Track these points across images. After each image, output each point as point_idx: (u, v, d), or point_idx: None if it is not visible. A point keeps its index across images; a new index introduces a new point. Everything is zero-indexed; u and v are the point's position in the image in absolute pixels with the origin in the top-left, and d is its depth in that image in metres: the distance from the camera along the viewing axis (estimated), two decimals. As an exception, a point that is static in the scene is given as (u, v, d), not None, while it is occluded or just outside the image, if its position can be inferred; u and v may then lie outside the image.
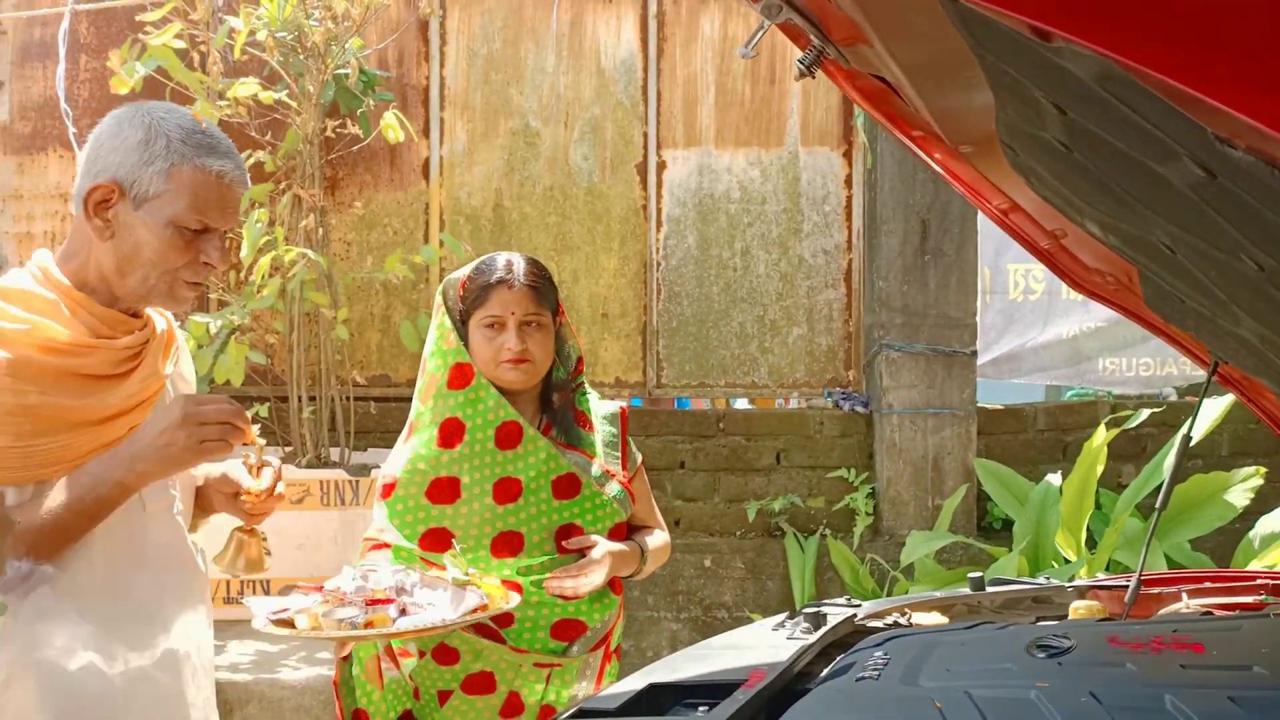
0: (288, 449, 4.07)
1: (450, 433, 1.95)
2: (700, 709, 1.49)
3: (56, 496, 1.49)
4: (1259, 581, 2.00)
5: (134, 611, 1.59)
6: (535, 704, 1.96)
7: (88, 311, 1.55)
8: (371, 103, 4.12)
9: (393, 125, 3.82)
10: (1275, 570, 2.26)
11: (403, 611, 1.72)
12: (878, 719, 1.23)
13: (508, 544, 1.90)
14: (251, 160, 3.80)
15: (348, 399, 4.13)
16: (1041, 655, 1.39)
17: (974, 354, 4.46)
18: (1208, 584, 2.02)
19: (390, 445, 3.75)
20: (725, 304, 4.69)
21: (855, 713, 1.27)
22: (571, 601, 1.91)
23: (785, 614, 1.99)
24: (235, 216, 1.62)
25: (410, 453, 1.97)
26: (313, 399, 4.04)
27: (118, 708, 1.58)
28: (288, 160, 3.98)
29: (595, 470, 2.03)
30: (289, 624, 1.73)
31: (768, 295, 4.69)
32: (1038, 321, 5.00)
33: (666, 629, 4.43)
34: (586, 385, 2.14)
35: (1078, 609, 1.88)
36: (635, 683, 1.62)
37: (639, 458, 2.18)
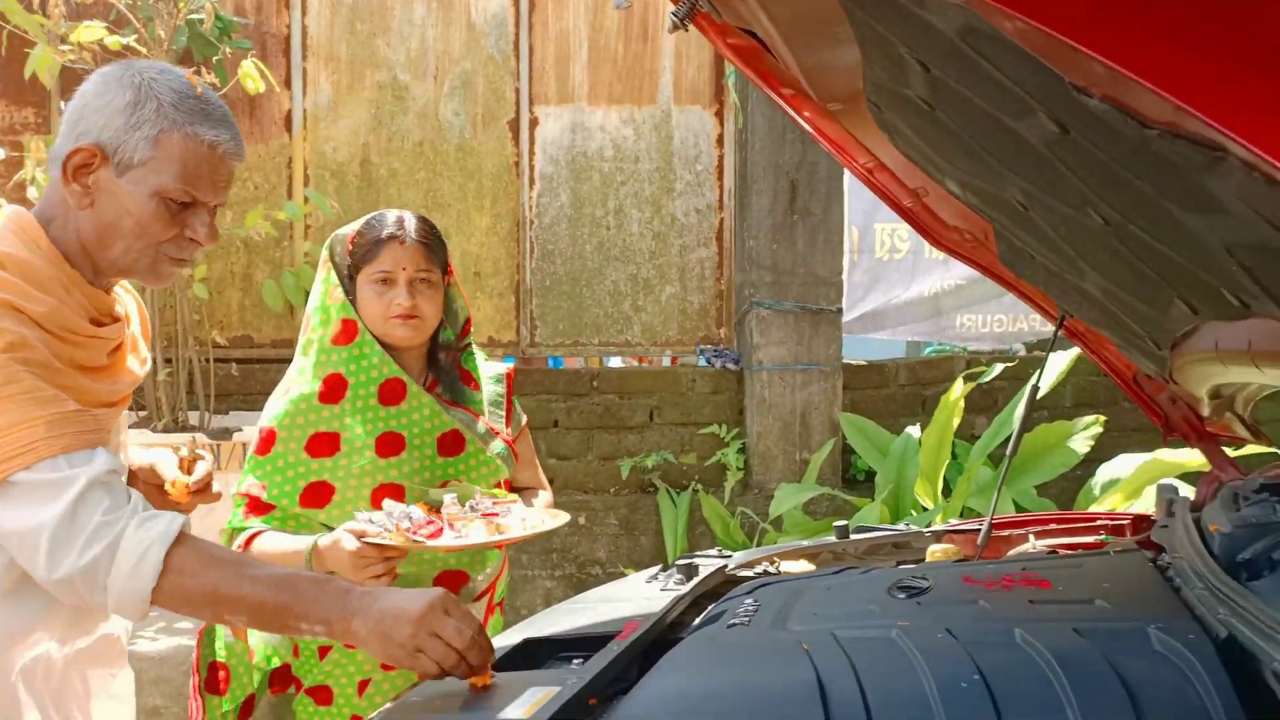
0: (142, 413, 3.89)
1: (332, 388, 1.92)
2: (575, 661, 1.51)
3: (254, 577, 1.36)
4: (1099, 523, 2.13)
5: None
6: None
7: (79, 291, 1.45)
8: (228, 51, 3.94)
9: (251, 75, 3.66)
10: (1114, 512, 2.40)
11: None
12: (748, 663, 1.27)
13: (388, 496, 1.88)
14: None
15: (207, 360, 3.97)
16: (901, 596, 1.45)
17: (840, 311, 4.58)
18: (1053, 526, 2.14)
19: (254, 408, 3.62)
20: (599, 262, 4.69)
21: (726, 658, 1.31)
22: (455, 555, 1.91)
23: (658, 567, 2.02)
24: (226, 191, 1.50)
25: (289, 404, 1.93)
26: (169, 361, 3.87)
27: (63, 692, 1.54)
28: (137, 109, 3.77)
29: (480, 428, 2.02)
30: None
31: (641, 254, 4.70)
32: (902, 280, 5.17)
33: (541, 587, 4.45)
34: (474, 346, 2.13)
35: (934, 552, 1.96)
36: (510, 638, 1.63)
37: (524, 419, 2.18)
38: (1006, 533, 2.12)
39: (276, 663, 1.97)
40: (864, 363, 4.81)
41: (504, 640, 1.62)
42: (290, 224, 4.34)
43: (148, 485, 1.66)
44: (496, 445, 2.04)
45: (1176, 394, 1.95)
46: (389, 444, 1.92)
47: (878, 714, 1.11)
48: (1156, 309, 1.53)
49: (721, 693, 1.20)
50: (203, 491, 1.68)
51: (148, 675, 2.74)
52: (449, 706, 1.31)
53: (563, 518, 1.93)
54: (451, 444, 1.98)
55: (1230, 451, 2.03)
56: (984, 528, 2.02)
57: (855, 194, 4.91)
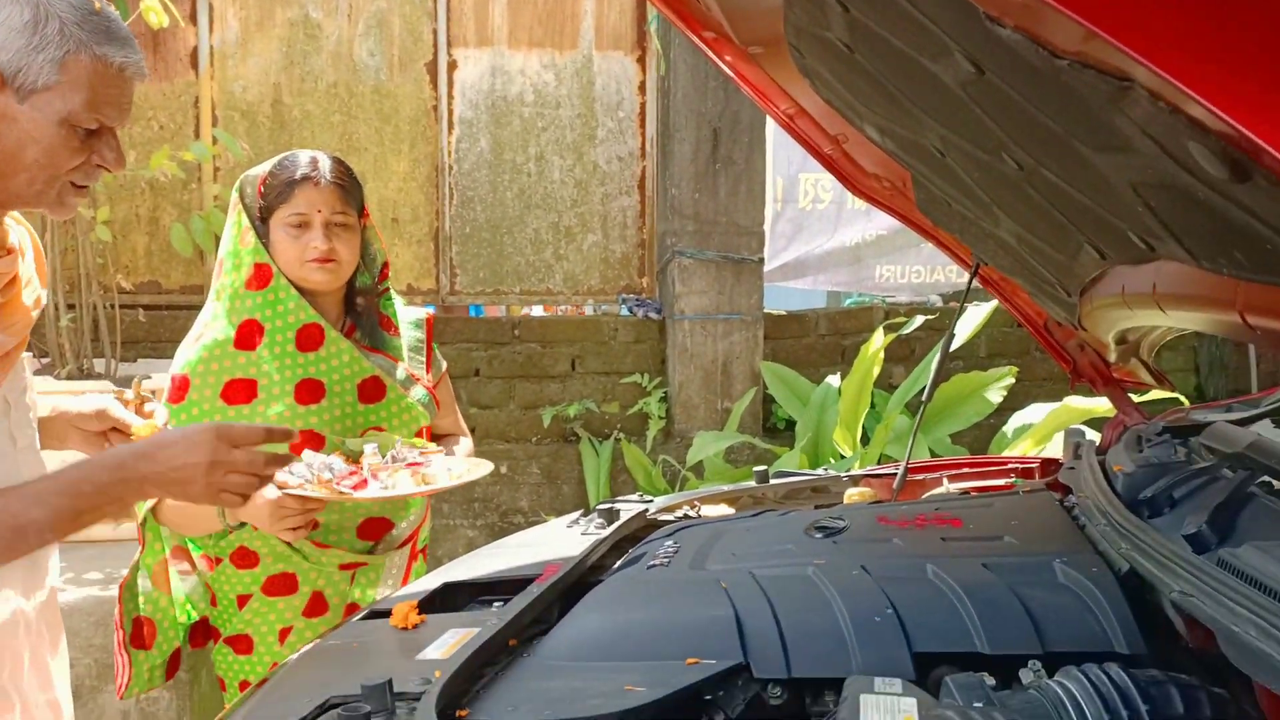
0: (44, 360, 3.76)
1: (248, 334, 1.87)
2: (495, 604, 1.51)
3: (38, 497, 1.32)
4: (1009, 466, 2.19)
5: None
6: (340, 604, 1.94)
7: None
8: (130, -18, 3.75)
9: (154, 8, 3.50)
10: (1024, 456, 2.47)
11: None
12: (668, 603, 1.28)
13: (308, 444, 1.84)
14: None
15: (112, 306, 3.84)
16: (819, 536, 1.48)
17: (761, 261, 4.60)
18: (965, 469, 2.20)
19: (164, 356, 3.52)
20: (520, 210, 4.63)
21: (646, 598, 1.31)
22: (378, 503, 1.88)
23: (579, 512, 2.03)
24: (129, 112, 1.42)
25: (201, 350, 1.88)
26: (71, 307, 3.73)
27: (38, 645, 1.53)
28: (33, 42, 3.59)
29: (400, 374, 1.99)
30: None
31: (562, 201, 4.66)
32: (824, 230, 5.21)
33: (463, 535, 4.44)
34: (392, 290, 2.08)
35: (851, 495, 2.00)
36: (431, 582, 1.62)
37: (444, 365, 2.16)
38: (921, 476, 2.17)
39: (195, 616, 1.93)
40: (785, 313, 4.85)
41: (425, 584, 1.61)
42: (199, 166, 4.20)
43: (82, 430, 1.59)
44: (417, 392, 2.01)
45: (1085, 341, 2.00)
46: (308, 391, 1.88)
47: (793, 647, 1.14)
48: (1066, 255, 1.56)
49: (640, 629, 1.21)
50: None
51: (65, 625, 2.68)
52: (369, 648, 1.30)
53: (486, 466, 1.90)
54: (372, 390, 1.94)
55: (1135, 398, 2.10)
56: (900, 471, 2.06)
57: (781, 144, 4.92)
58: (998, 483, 2.06)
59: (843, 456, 3.93)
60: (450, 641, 1.24)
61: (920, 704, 0.94)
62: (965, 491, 1.92)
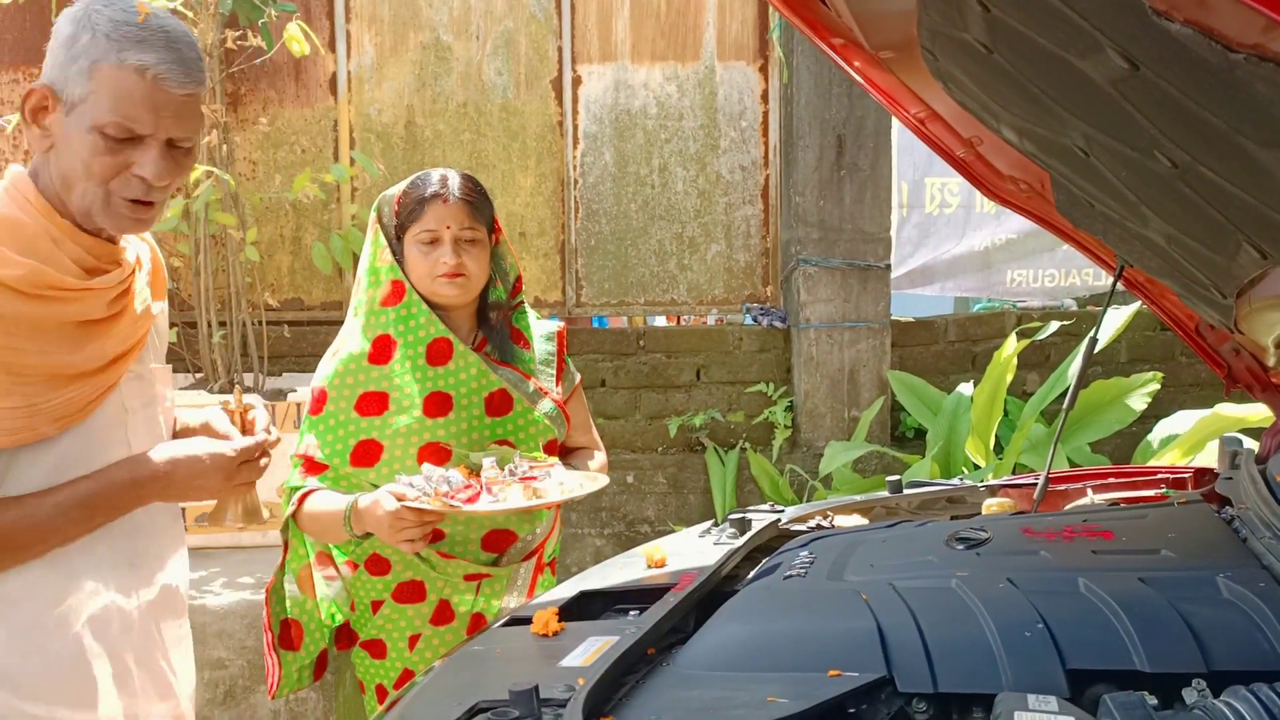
0: (198, 375, 3.96)
1: (381, 348, 1.94)
2: (632, 613, 1.52)
3: (63, 492, 1.41)
4: (1158, 476, 2.10)
5: (127, 550, 1.54)
6: (466, 613, 1.98)
7: (73, 241, 1.41)
8: (273, 13, 3.94)
9: (297, 37, 3.66)
10: (1174, 466, 2.37)
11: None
12: (806, 614, 1.27)
13: (434, 456, 1.89)
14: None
15: (260, 323, 4.02)
16: (960, 547, 1.44)
17: (888, 268, 4.52)
18: (1111, 480, 2.11)
19: (306, 370, 3.67)
20: (643, 221, 4.67)
21: (783, 609, 1.31)
22: (503, 514, 1.91)
23: (710, 522, 2.03)
24: (177, 121, 1.38)
25: (338, 365, 1.95)
26: (223, 324, 3.92)
27: (145, 642, 1.56)
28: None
29: (528, 388, 2.01)
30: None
31: (686, 212, 4.67)
32: (952, 235, 5.09)
33: (591, 545, 4.48)
34: (526, 305, 2.12)
35: (990, 506, 1.95)
36: (566, 590, 1.64)
37: (577, 377, 2.18)
38: (1063, 487, 2.10)
39: (340, 619, 2.00)
40: (912, 320, 4.76)
41: (560, 593, 1.63)
42: (337, 186, 4.36)
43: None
44: (545, 405, 2.03)
45: (1241, 344, 1.90)
46: (436, 403, 1.93)
47: (939, 661, 1.11)
48: (1223, 255, 1.49)
49: (780, 640, 1.20)
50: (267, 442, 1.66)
51: (211, 629, 2.81)
52: (512, 654, 1.32)
53: (601, 481, 1.92)
54: (499, 404, 1.98)
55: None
56: (1041, 480, 2.00)
57: (905, 149, 4.83)
58: (1148, 494, 1.97)
59: (976, 466, 3.82)
60: (591, 649, 1.25)
61: (1080, 724, 0.91)
62: (1114, 503, 1.85)
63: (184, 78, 1.38)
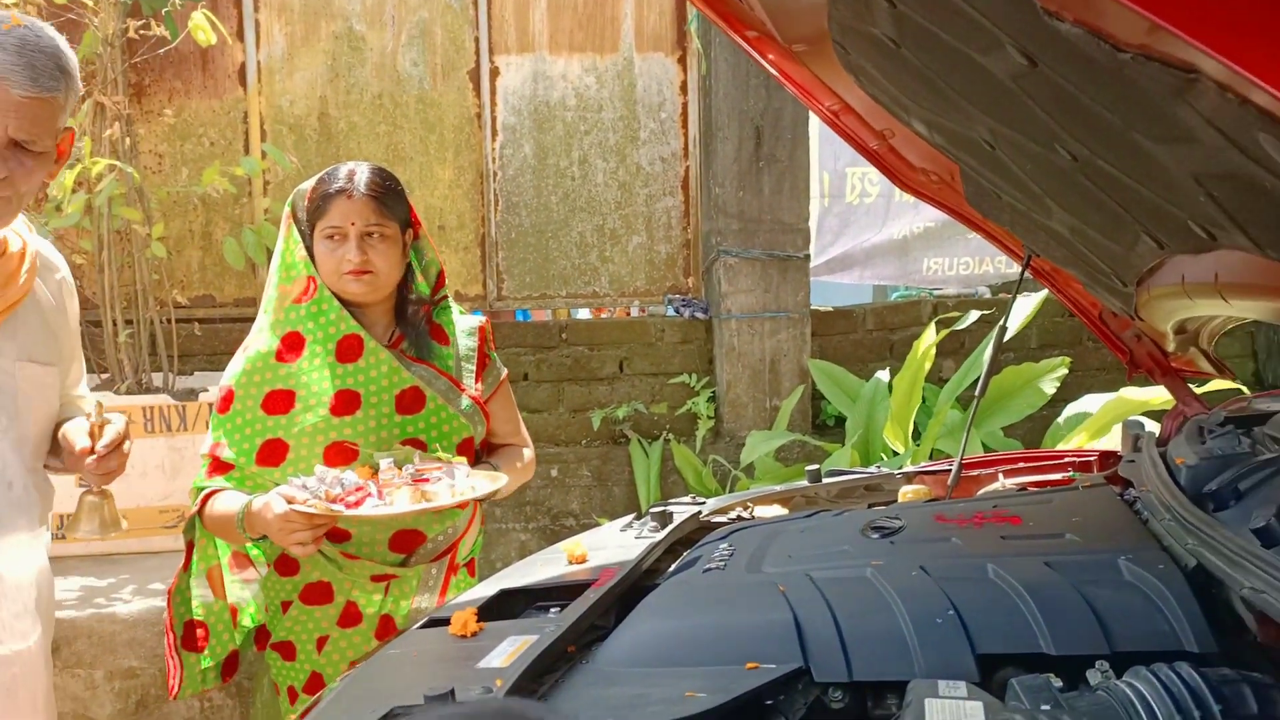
0: (104, 375, 3.83)
1: (290, 345, 1.90)
2: (552, 610, 1.51)
3: None
4: (1066, 460, 2.16)
5: None
6: (374, 614, 1.95)
7: None
8: (178, 3, 3.83)
9: (203, 26, 3.56)
10: (1081, 449, 2.43)
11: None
12: (726, 607, 1.27)
13: (341, 455, 1.86)
14: (44, 64, 3.47)
15: (168, 321, 3.91)
16: (875, 536, 1.46)
17: (808, 258, 4.57)
18: (1021, 464, 2.16)
19: (219, 368, 3.57)
20: (564, 214, 4.65)
21: (703, 601, 1.31)
22: (411, 516, 1.87)
23: (632, 515, 2.03)
24: (19, 122, 1.49)
25: (246, 363, 1.91)
26: (129, 322, 3.80)
27: None
28: (86, 65, 3.67)
29: (443, 385, 1.98)
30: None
31: (606, 204, 4.66)
32: (872, 224, 5.15)
33: (515, 539, 4.46)
34: (450, 300, 2.09)
35: (906, 493, 1.98)
36: (487, 589, 1.62)
37: (502, 373, 2.14)
38: (976, 472, 2.14)
39: (259, 620, 1.96)
40: (831, 309, 4.82)
41: (479, 592, 1.61)
42: (249, 180, 4.26)
43: (67, 453, 1.70)
44: (461, 402, 2.00)
45: (1142, 330, 1.96)
46: (344, 402, 1.89)
47: (854, 651, 1.12)
48: (1123, 245, 1.53)
49: (699, 634, 1.20)
50: (109, 456, 1.68)
51: (120, 639, 2.73)
52: (429, 657, 1.31)
53: (500, 481, 1.88)
54: (411, 401, 1.94)
55: (1194, 387, 2.06)
56: (954, 468, 2.04)
57: (827, 139, 4.88)
58: (1055, 477, 2.02)
59: (895, 453, 3.89)
60: (510, 649, 1.24)
61: (987, 707, 0.93)
62: (1022, 487, 1.89)
63: (28, 82, 1.47)
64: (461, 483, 1.83)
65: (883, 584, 1.23)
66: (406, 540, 1.95)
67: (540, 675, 1.16)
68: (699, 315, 4.63)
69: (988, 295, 5.13)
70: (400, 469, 1.81)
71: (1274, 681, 0.96)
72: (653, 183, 4.68)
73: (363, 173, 1.91)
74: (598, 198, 4.65)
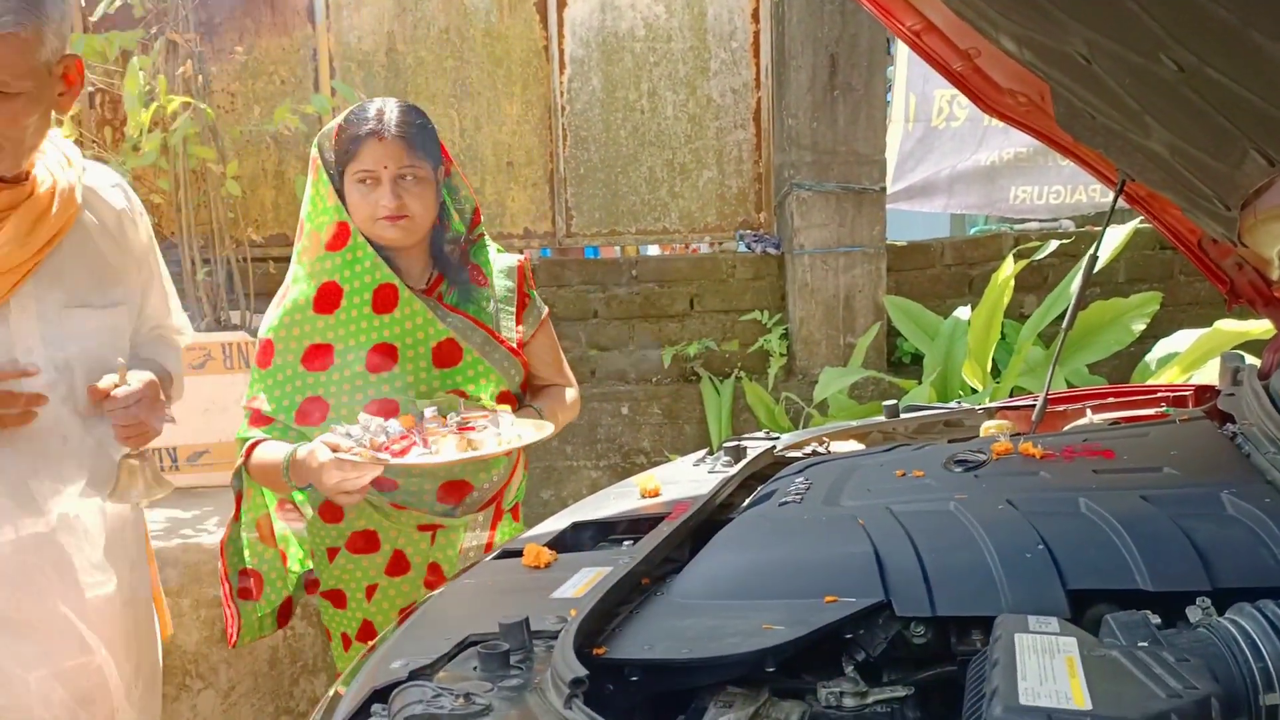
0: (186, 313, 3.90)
1: (326, 296, 1.84)
2: (625, 543, 1.50)
3: None
4: (1158, 395, 2.07)
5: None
6: (422, 563, 1.93)
7: None
8: (246, -60, 3.82)
9: (271, -38, 3.54)
10: (1174, 384, 2.34)
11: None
12: (802, 540, 1.24)
13: (381, 409, 1.81)
14: (118, 3, 3.50)
15: (244, 259, 3.95)
16: (958, 470, 1.42)
17: (883, 191, 4.45)
18: (1111, 399, 2.08)
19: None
20: (633, 148, 4.58)
21: (779, 536, 1.28)
22: (459, 465, 1.82)
23: (705, 450, 2.00)
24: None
25: (283, 314, 1.87)
26: (207, 261, 3.86)
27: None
28: (157, 3, 3.69)
29: (479, 337, 1.92)
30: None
31: (676, 138, 4.58)
32: (959, 149, 4.95)
33: (586, 476, 4.48)
34: (486, 238, 2.02)
35: (989, 428, 1.92)
36: (559, 522, 1.62)
37: (543, 312, 2.07)
38: (1063, 408, 2.07)
39: (309, 565, 1.97)
40: (908, 244, 4.69)
41: (553, 524, 1.61)
42: (319, 118, 4.26)
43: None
44: (499, 354, 1.94)
45: (1244, 258, 1.86)
46: (382, 356, 1.84)
47: (937, 585, 1.09)
48: (1229, 163, 1.44)
49: (776, 567, 1.18)
50: (131, 409, 1.66)
51: (206, 568, 2.79)
52: (502, 587, 1.30)
53: (546, 429, 1.82)
54: (448, 354, 1.88)
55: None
56: (1040, 401, 1.97)
57: (915, 60, 4.68)
58: (1148, 413, 1.94)
59: (973, 390, 3.80)
60: (583, 581, 1.23)
61: (1081, 643, 0.89)
62: (1114, 422, 1.82)
63: (6, 25, 1.43)
64: (507, 430, 1.78)
65: (967, 517, 1.19)
66: (454, 490, 1.92)
67: (614, 607, 1.15)
68: (771, 251, 4.55)
69: (1071, 228, 4.95)
70: (445, 418, 1.77)
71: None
72: (723, 115, 4.58)
73: (392, 112, 1.83)
74: (667, 131, 4.57)
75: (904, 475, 1.43)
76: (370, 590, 1.93)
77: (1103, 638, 0.95)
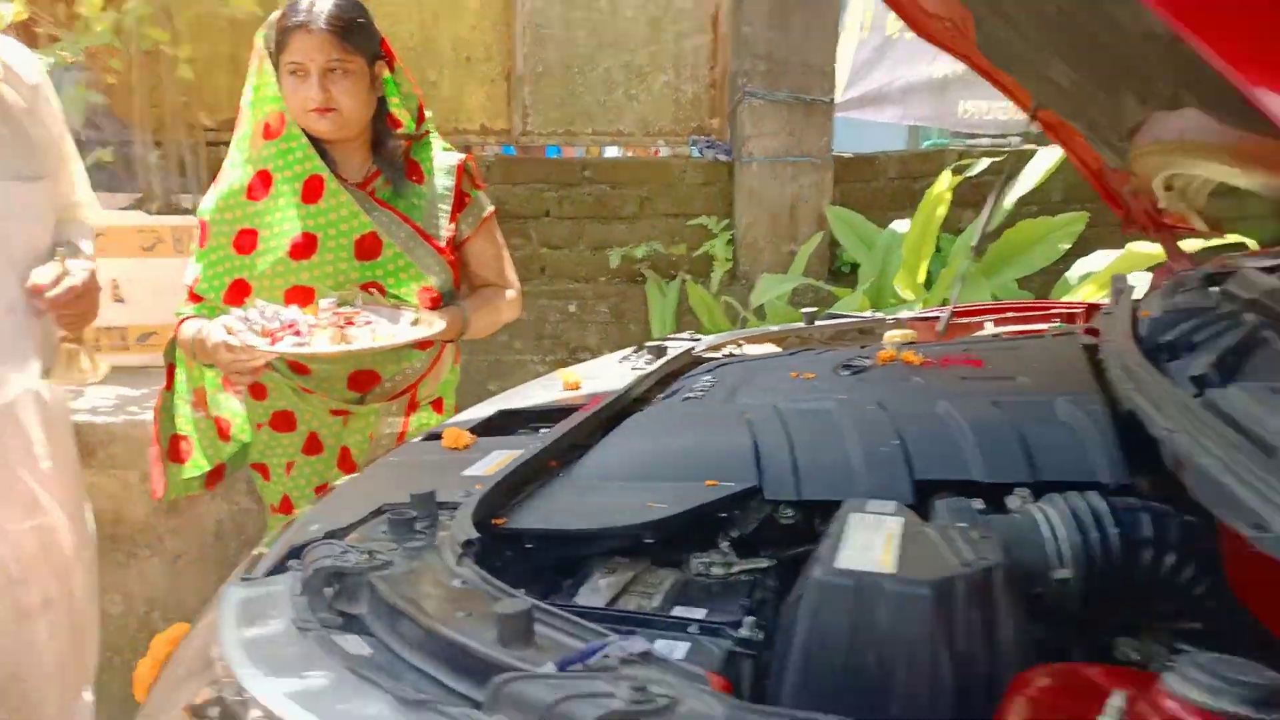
0: (137, 196, 3.93)
1: (260, 183, 1.89)
2: (543, 430, 1.62)
3: None
4: (1055, 311, 2.22)
5: None
6: (334, 445, 2.03)
7: None
8: None
9: None
10: (1073, 301, 2.48)
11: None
12: (695, 431, 1.38)
13: (300, 297, 1.88)
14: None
15: (197, 143, 3.97)
16: (846, 374, 1.56)
17: (832, 102, 4.51)
18: (1011, 314, 2.23)
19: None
20: (591, 49, 4.59)
21: (675, 426, 1.42)
22: (369, 354, 1.90)
23: (631, 349, 2.13)
24: None
25: (219, 198, 1.92)
26: (159, 144, 3.87)
27: None
28: (106, -121, 3.61)
29: (403, 232, 1.96)
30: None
31: (634, 40, 4.60)
32: (910, 60, 4.99)
33: (533, 371, 4.61)
34: (432, 135, 2.06)
35: (893, 336, 2.06)
36: (485, 410, 1.74)
37: (486, 210, 2.10)
38: (967, 320, 2.21)
39: (248, 437, 2.06)
40: (854, 155, 4.78)
41: (480, 412, 1.73)
42: (276, 2, 4.23)
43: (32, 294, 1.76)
44: (422, 250, 1.97)
45: (1137, 187, 1.99)
46: (304, 244, 1.88)
47: (804, 473, 1.23)
48: (1113, 99, 1.56)
49: (667, 454, 1.31)
50: (70, 301, 1.73)
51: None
52: (421, 466, 1.43)
53: (423, 330, 1.85)
54: (369, 247, 1.91)
55: (1201, 244, 2.09)
56: (944, 314, 2.11)
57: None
58: (1041, 327, 2.09)
59: (904, 301, 3.95)
60: (495, 461, 1.36)
61: (907, 523, 1.03)
62: (1003, 335, 1.97)
63: None
64: (384, 329, 1.83)
65: (840, 416, 1.33)
66: (363, 380, 2.00)
67: (520, 484, 1.28)
68: (721, 158, 4.62)
69: (1019, 146, 5.05)
70: (342, 309, 1.84)
71: (1173, 511, 1.05)
72: (682, 19, 4.60)
73: (324, 4, 1.84)
74: (626, 33, 4.59)
75: (797, 377, 1.57)
76: (289, 466, 2.03)
77: (933, 519, 1.11)
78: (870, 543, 0.98)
